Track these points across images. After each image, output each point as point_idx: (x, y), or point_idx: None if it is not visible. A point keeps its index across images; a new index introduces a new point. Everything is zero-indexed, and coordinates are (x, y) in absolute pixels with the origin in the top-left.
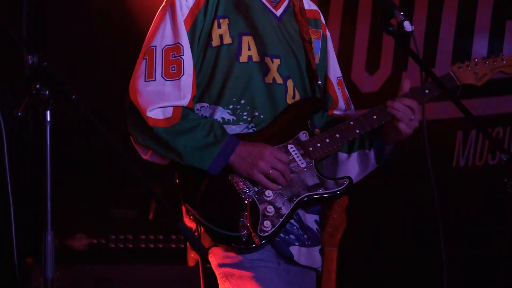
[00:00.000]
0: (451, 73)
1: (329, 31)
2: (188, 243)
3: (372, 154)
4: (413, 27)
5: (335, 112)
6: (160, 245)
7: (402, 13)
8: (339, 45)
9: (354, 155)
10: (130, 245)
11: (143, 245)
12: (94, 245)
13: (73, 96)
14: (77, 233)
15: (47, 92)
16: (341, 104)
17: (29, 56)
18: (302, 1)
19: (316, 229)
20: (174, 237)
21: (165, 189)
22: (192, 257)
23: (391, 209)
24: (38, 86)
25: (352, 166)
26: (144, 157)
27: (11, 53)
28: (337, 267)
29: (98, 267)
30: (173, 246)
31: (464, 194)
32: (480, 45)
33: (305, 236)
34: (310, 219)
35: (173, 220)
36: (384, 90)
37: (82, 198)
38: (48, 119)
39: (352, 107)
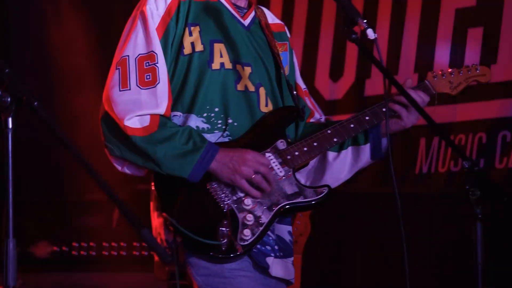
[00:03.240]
0: (427, 82)
1: (293, 38)
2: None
3: (367, 149)
4: (376, 34)
5: (312, 120)
6: (123, 253)
7: (365, 20)
8: (303, 52)
9: (344, 152)
10: (93, 253)
11: (106, 253)
12: (56, 252)
13: (35, 103)
14: (40, 241)
15: (8, 99)
16: (316, 114)
17: None
18: (266, 17)
19: (289, 240)
20: (137, 244)
21: (128, 195)
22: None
23: (355, 216)
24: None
25: (342, 165)
26: (120, 169)
27: None
28: (302, 274)
29: (61, 275)
30: (136, 253)
31: (426, 201)
32: (442, 53)
33: (276, 247)
34: (283, 230)
35: (136, 227)
36: (348, 97)
37: (45, 205)
38: (10, 126)
39: (322, 113)
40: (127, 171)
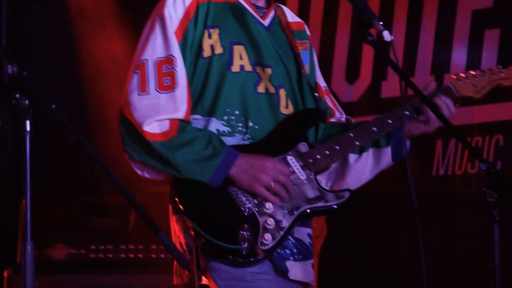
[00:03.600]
0: (450, 85)
1: (310, 40)
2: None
3: (389, 151)
4: (392, 36)
5: (332, 120)
6: (140, 255)
7: (381, 22)
8: (319, 55)
9: (365, 154)
10: (110, 255)
11: (123, 255)
12: (74, 255)
13: (53, 106)
14: (57, 243)
15: (26, 102)
16: (336, 113)
17: (9, 66)
18: (286, 15)
19: (309, 242)
20: (154, 247)
21: (146, 198)
22: (179, 276)
23: (372, 218)
24: (17, 95)
25: (363, 167)
26: (140, 174)
27: None
28: (318, 276)
29: (78, 277)
30: (154, 256)
31: (443, 203)
32: (459, 54)
33: (295, 251)
34: (303, 232)
35: (154, 231)
36: (365, 99)
37: (62, 208)
38: (28, 128)
39: (344, 113)
40: (147, 175)
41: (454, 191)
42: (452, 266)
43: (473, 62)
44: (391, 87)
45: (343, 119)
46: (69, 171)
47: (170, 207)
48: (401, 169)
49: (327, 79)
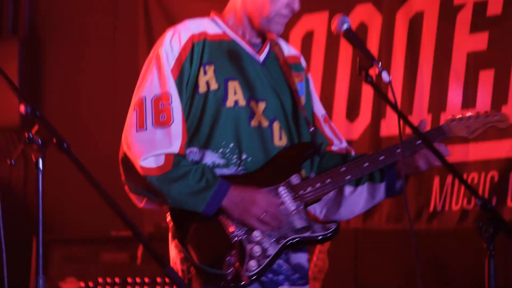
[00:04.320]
0: (445, 125)
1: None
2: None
3: (382, 187)
4: (390, 77)
5: (333, 148)
6: None
7: (380, 63)
8: (320, 94)
9: (361, 188)
10: None
11: None
12: None
13: (65, 145)
14: (68, 277)
15: (39, 141)
16: (335, 141)
17: (23, 106)
18: (282, 50)
19: (307, 267)
20: (160, 280)
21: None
22: None
23: (372, 252)
24: (31, 135)
25: (357, 199)
26: (140, 205)
27: (5, 100)
28: None
29: None
30: None
31: (440, 238)
32: (455, 94)
33: (297, 275)
34: (302, 258)
35: (161, 264)
36: (364, 137)
37: (72, 243)
38: (41, 167)
39: (343, 139)
40: (147, 206)
41: (451, 226)
42: None
43: (469, 101)
44: (390, 125)
45: (343, 146)
46: (79, 207)
47: (170, 234)
48: (401, 205)
49: (329, 117)
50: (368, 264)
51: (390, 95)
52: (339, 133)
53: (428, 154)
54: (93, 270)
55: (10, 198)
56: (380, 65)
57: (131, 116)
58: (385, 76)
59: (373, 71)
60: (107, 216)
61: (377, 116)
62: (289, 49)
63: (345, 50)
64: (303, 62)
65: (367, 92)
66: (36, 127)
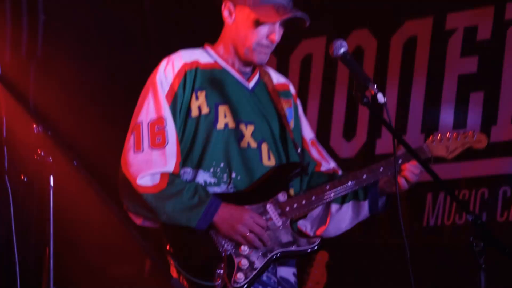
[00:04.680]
0: (425, 146)
1: (310, 103)
2: None
3: (366, 204)
4: (385, 98)
5: (321, 169)
6: None
7: (375, 85)
8: (318, 115)
9: (346, 205)
10: None
11: None
12: None
13: (75, 163)
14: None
15: (50, 159)
16: (323, 162)
17: (35, 126)
18: (271, 78)
19: (294, 281)
20: None
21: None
22: None
23: (368, 265)
24: (42, 153)
25: (343, 216)
26: (138, 223)
27: (19, 121)
28: None
29: None
30: None
31: (433, 252)
32: (446, 115)
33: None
34: (288, 272)
35: (166, 277)
36: (360, 156)
37: (81, 256)
38: (52, 183)
39: (331, 160)
40: (144, 224)
41: (443, 241)
42: None
43: (460, 121)
44: (384, 144)
45: (331, 167)
46: (88, 222)
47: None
48: (394, 220)
49: (327, 136)
50: (365, 277)
51: (385, 116)
52: (327, 155)
53: (407, 172)
54: (101, 283)
55: (23, 212)
56: (375, 87)
57: (129, 139)
58: (380, 97)
59: (369, 93)
60: (116, 230)
61: (373, 135)
62: (278, 77)
63: (342, 73)
64: (292, 89)
65: (363, 113)
66: (47, 146)
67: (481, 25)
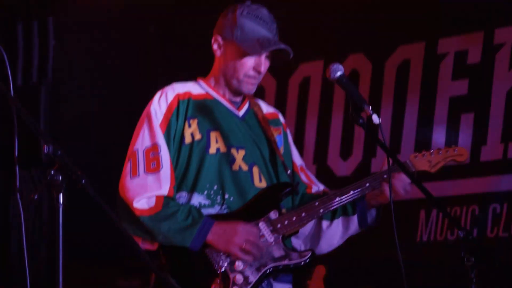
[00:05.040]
0: (408, 161)
1: (308, 123)
2: None
3: (355, 219)
4: (380, 119)
5: (312, 191)
6: None
7: (370, 107)
8: (316, 135)
9: (336, 221)
10: None
11: None
12: None
13: (83, 181)
14: None
15: (60, 178)
16: (313, 185)
17: (45, 146)
18: (260, 107)
19: None
20: None
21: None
22: None
23: (364, 279)
24: (52, 172)
25: (334, 232)
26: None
27: (30, 141)
28: None
29: None
30: None
31: (426, 266)
32: (438, 135)
33: None
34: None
35: None
36: (357, 174)
37: (89, 270)
38: (61, 201)
39: (321, 184)
40: (143, 246)
41: (436, 255)
42: None
43: (451, 141)
44: (379, 163)
45: (321, 189)
46: (95, 239)
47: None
48: (388, 236)
49: (324, 156)
50: None
51: (380, 136)
52: (316, 180)
53: (393, 186)
54: None
55: (34, 230)
56: (370, 109)
57: (126, 167)
58: (375, 118)
59: (364, 114)
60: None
61: (368, 155)
62: (267, 108)
63: (339, 95)
64: (282, 119)
65: (359, 133)
66: (57, 165)
67: (471, 49)
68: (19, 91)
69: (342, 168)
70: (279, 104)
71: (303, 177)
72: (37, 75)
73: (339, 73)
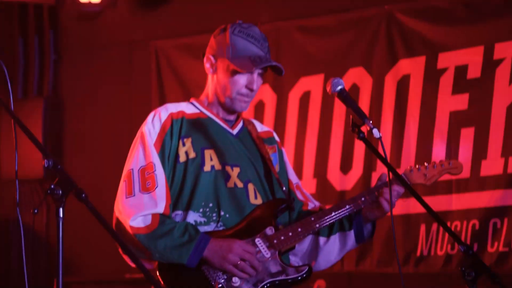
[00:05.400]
0: (403, 175)
1: (308, 138)
2: None
3: (352, 234)
4: (380, 134)
5: (308, 208)
6: None
7: (371, 121)
8: (317, 149)
9: (333, 237)
10: None
11: None
12: None
13: (83, 195)
14: None
15: (60, 192)
16: (309, 202)
17: (46, 160)
18: (254, 126)
19: None
20: None
21: None
22: None
23: None
24: (52, 186)
25: (331, 248)
26: (133, 265)
27: (31, 155)
28: None
29: None
30: None
31: (426, 281)
32: (439, 149)
33: None
34: None
35: None
36: (357, 188)
37: (90, 284)
38: (61, 215)
39: (316, 202)
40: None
41: (436, 270)
42: None
43: (451, 156)
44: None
45: (317, 205)
46: (97, 251)
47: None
48: (391, 250)
49: (324, 170)
50: None
51: (380, 150)
52: (311, 198)
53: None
54: None
55: (33, 243)
56: (371, 123)
57: (121, 186)
58: (375, 132)
59: (364, 128)
60: (122, 260)
61: (369, 168)
62: (262, 127)
63: (339, 109)
64: (276, 137)
65: (359, 147)
66: (57, 179)
67: (471, 64)
68: (19, 104)
69: (342, 182)
70: (279, 118)
71: (298, 195)
72: (37, 89)
73: (339, 87)
